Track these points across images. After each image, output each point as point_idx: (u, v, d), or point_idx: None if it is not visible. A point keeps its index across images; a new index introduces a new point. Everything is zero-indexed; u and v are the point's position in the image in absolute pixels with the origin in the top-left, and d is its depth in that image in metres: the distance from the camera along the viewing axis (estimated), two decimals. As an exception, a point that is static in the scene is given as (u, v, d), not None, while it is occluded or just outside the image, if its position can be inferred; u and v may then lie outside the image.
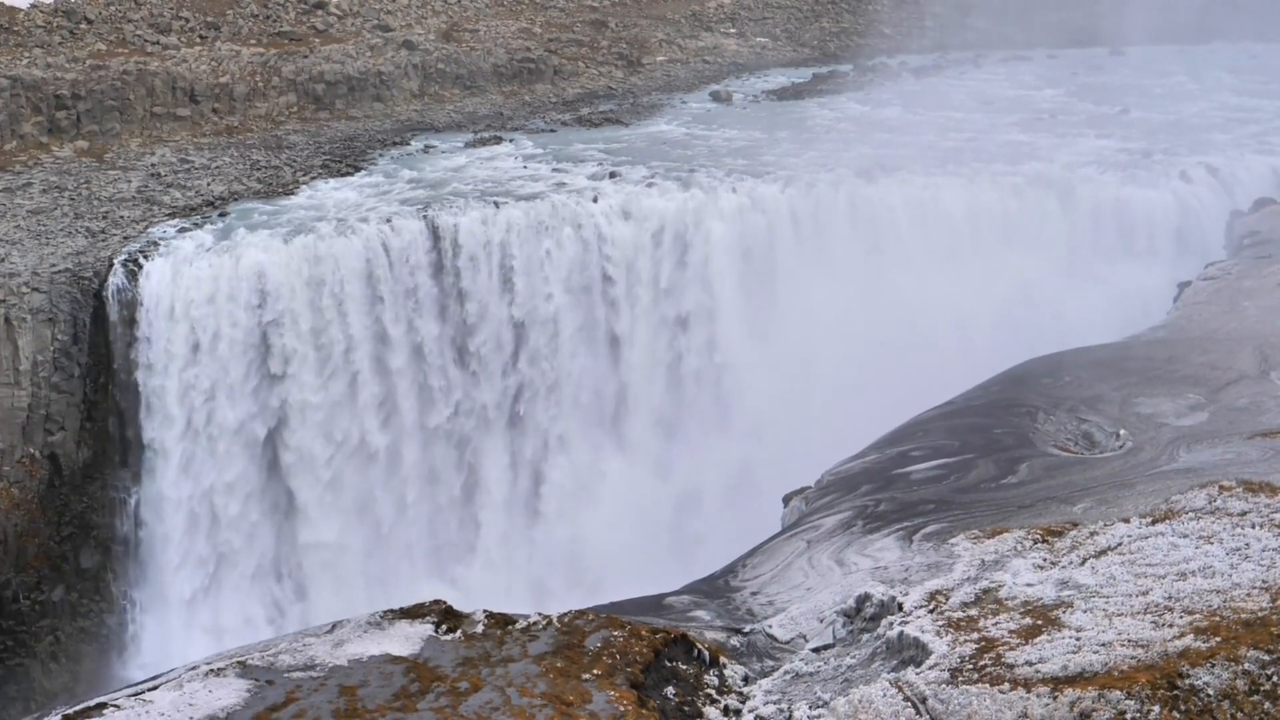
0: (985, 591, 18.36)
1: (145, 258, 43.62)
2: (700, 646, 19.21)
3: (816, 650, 19.36)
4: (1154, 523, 19.37)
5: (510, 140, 56.82)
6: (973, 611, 17.70)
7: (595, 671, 17.77)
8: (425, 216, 46.59)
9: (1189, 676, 14.78)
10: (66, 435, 43.02)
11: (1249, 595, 16.25)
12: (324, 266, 44.45)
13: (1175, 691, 14.65)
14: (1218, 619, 15.75)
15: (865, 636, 18.95)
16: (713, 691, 18.49)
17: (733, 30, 77.60)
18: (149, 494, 43.72)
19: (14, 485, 42.11)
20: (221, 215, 46.87)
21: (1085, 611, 16.69)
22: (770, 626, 20.76)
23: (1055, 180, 51.29)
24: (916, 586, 19.74)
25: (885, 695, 16.04)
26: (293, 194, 49.19)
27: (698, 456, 47.61)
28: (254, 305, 43.77)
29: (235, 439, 44.32)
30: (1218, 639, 15.26)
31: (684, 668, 18.67)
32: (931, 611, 18.17)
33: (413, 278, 45.91)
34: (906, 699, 15.83)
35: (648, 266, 48.08)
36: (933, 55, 74.91)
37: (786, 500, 29.82)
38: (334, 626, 19.83)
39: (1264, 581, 16.52)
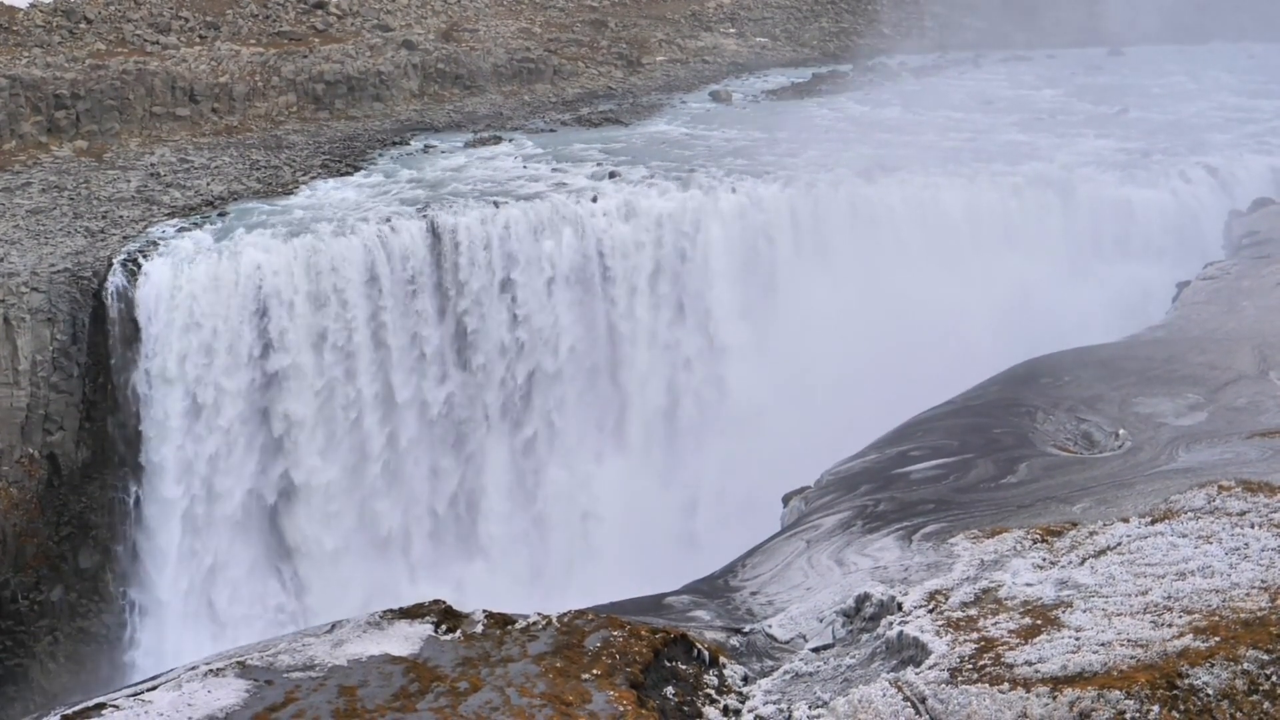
0: (985, 591, 18.35)
1: (144, 257, 43.64)
2: (700, 646, 19.20)
3: (816, 650, 19.35)
4: (1153, 522, 19.37)
5: (510, 140, 56.84)
6: (972, 611, 17.70)
7: (595, 671, 17.77)
8: (425, 216, 46.61)
9: (1188, 676, 14.78)
10: (65, 435, 43.02)
11: (1248, 595, 16.24)
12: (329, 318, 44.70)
13: (1175, 691, 14.64)
14: (1217, 619, 15.75)
15: (865, 636, 18.95)
16: (712, 691, 18.49)
17: (732, 30, 77.61)
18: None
19: (13, 485, 42.11)
20: (221, 215, 46.88)
21: (1085, 611, 16.69)
22: (770, 626, 20.75)
23: (1055, 180, 51.30)
24: (916, 586, 19.73)
25: (885, 695, 16.04)
26: (292, 194, 49.20)
27: (697, 456, 47.62)
28: (255, 356, 44.06)
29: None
30: (1217, 639, 15.26)
31: (684, 668, 18.67)
32: (931, 611, 18.16)
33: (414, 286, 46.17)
34: (906, 699, 15.83)
35: (647, 266, 48.10)
36: (932, 55, 74.94)
37: (786, 500, 29.81)
38: (333, 627, 19.82)
39: (1263, 581, 16.52)
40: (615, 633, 18.78)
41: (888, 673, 16.89)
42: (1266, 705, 14.46)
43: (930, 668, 16.32)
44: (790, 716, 17.14)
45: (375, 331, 45.47)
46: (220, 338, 43.34)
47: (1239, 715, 14.45)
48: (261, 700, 17.38)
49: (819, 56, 74.87)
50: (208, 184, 49.75)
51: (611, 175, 50.87)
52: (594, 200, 48.35)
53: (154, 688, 18.17)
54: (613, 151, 54.88)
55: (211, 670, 18.27)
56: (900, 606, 18.95)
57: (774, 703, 17.82)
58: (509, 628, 19.27)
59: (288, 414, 44.55)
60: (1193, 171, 51.95)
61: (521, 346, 47.39)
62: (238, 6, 66.39)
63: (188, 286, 43.09)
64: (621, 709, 16.91)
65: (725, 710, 18.07)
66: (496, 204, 47.63)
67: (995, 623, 17.05)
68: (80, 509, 43.24)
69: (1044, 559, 19.28)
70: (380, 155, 54.54)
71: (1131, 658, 15.30)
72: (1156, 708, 14.51)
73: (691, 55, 73.41)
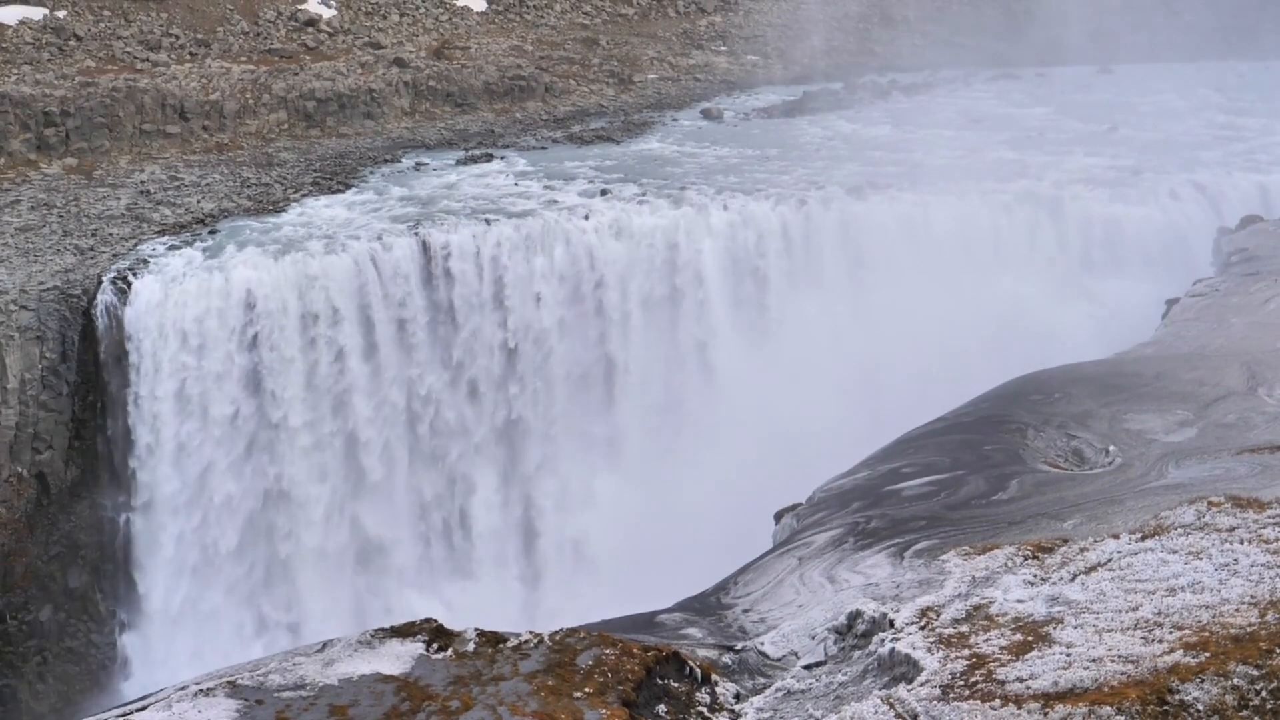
0: (976, 608, 18.35)
1: (134, 275, 43.61)
2: (692, 664, 19.17)
3: (808, 667, 19.32)
4: (1143, 539, 19.38)
5: (501, 158, 56.90)
6: (964, 628, 17.69)
7: (587, 690, 17.74)
8: (417, 233, 46.62)
9: (1179, 692, 14.78)
10: (55, 454, 42.91)
11: (1238, 610, 16.25)
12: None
13: (1165, 707, 14.65)
14: (1207, 634, 15.76)
15: (857, 653, 18.93)
16: (705, 709, 18.47)
17: (723, 48, 77.81)
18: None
19: (1, 504, 41.98)
20: (211, 233, 46.90)
21: (1075, 627, 16.69)
22: (762, 644, 20.72)
23: (1045, 198, 51.43)
24: (908, 603, 19.72)
25: (877, 712, 16.02)
26: (283, 211, 49.21)
27: (689, 473, 47.56)
28: (246, 373, 44.10)
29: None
30: (1207, 654, 15.26)
31: (676, 685, 18.64)
32: (923, 628, 18.15)
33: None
34: (898, 716, 15.81)
35: (639, 283, 48.12)
36: (922, 73, 75.18)
37: (778, 517, 29.77)
38: (324, 645, 19.75)
39: (1252, 597, 16.53)
40: (607, 651, 18.75)
41: (880, 690, 16.88)
42: (1257, 721, 14.47)
43: (922, 684, 16.31)
44: (782, 734, 17.11)
45: (366, 349, 45.43)
46: (210, 355, 43.27)
47: (1230, 731, 14.46)
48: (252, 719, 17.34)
49: (810, 74, 75.01)
50: (198, 201, 49.74)
51: (603, 193, 50.93)
52: (585, 218, 48.40)
53: (144, 708, 18.10)
54: (604, 169, 54.96)
55: (201, 690, 18.20)
56: (892, 623, 18.93)
57: (766, 720, 17.80)
58: (501, 646, 19.23)
59: (279, 431, 44.47)
60: (1182, 189, 52.11)
61: (513, 363, 47.38)
62: (228, 24, 66.44)
63: (178, 304, 43.04)
64: (613, 727, 16.88)
65: (717, 728, 18.04)
66: (488, 221, 47.66)
67: (987, 639, 17.05)
68: (69, 528, 43.11)
69: (1035, 575, 19.29)
70: (371, 173, 54.58)
71: (1122, 674, 15.30)
72: (1147, 724, 14.52)
73: (683, 73, 73.58)
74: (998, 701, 15.29)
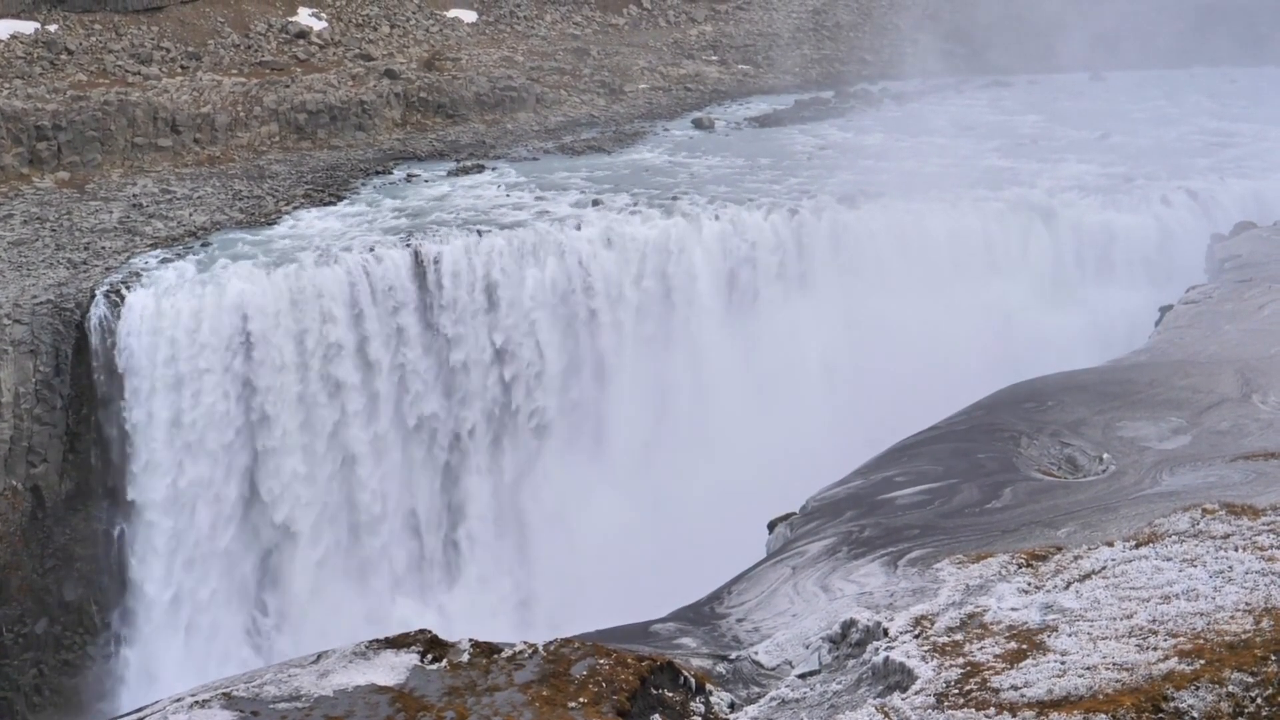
0: (970, 616, 18.34)
1: (127, 288, 43.63)
2: (686, 673, 19.16)
3: (802, 676, 19.31)
4: (1137, 546, 19.37)
5: (493, 168, 56.94)
6: (958, 636, 17.68)
7: (581, 699, 17.73)
8: (409, 245, 46.65)
9: (1174, 699, 14.77)
10: (49, 467, 42.87)
11: (1232, 617, 16.24)
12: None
13: (1160, 714, 14.64)
14: (1201, 641, 15.75)
15: (851, 662, 18.91)
16: (699, 718, 18.46)
17: (714, 58, 77.87)
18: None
19: (-4, 518, 41.97)
20: (204, 245, 46.94)
21: (1070, 635, 16.67)
22: (756, 653, 20.72)
23: (1037, 205, 51.54)
24: (902, 612, 19.71)
25: (871, 721, 16.01)
26: (275, 224, 49.25)
27: (683, 483, 47.55)
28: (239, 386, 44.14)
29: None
30: (1202, 661, 15.25)
31: (670, 695, 18.63)
32: (917, 636, 18.14)
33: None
34: (893, 725, 15.80)
35: (631, 294, 48.15)
36: (914, 81, 75.21)
37: (771, 526, 29.76)
38: (319, 657, 19.73)
39: (1247, 603, 16.52)
40: (601, 660, 18.74)
41: (874, 698, 16.86)
42: (1252, 727, 14.47)
43: (917, 693, 16.29)
44: (777, 743, 17.09)
45: (359, 361, 45.44)
46: (203, 367, 43.27)
47: (1225, 738, 14.45)
48: (247, 732, 17.31)
49: (801, 83, 75.09)
50: (190, 214, 49.73)
51: (595, 203, 50.97)
52: (577, 229, 48.44)
53: (138, 720, 18.09)
54: (596, 179, 55.01)
55: (197, 702, 18.17)
56: (886, 632, 18.91)
57: (761, 730, 17.78)
58: (495, 656, 19.21)
59: (272, 444, 44.45)
60: (1174, 196, 52.20)
61: (506, 374, 47.39)
62: (219, 37, 66.43)
63: (171, 317, 43.05)
64: (608, 737, 16.87)
65: (712, 738, 18.03)
66: (480, 232, 47.69)
67: (981, 647, 17.04)
68: (64, 541, 43.07)
69: (1029, 583, 19.28)
70: (363, 184, 54.60)
71: (1117, 681, 15.29)
72: (1142, 731, 14.52)
73: (674, 83, 73.61)
74: (992, 710, 15.29)
